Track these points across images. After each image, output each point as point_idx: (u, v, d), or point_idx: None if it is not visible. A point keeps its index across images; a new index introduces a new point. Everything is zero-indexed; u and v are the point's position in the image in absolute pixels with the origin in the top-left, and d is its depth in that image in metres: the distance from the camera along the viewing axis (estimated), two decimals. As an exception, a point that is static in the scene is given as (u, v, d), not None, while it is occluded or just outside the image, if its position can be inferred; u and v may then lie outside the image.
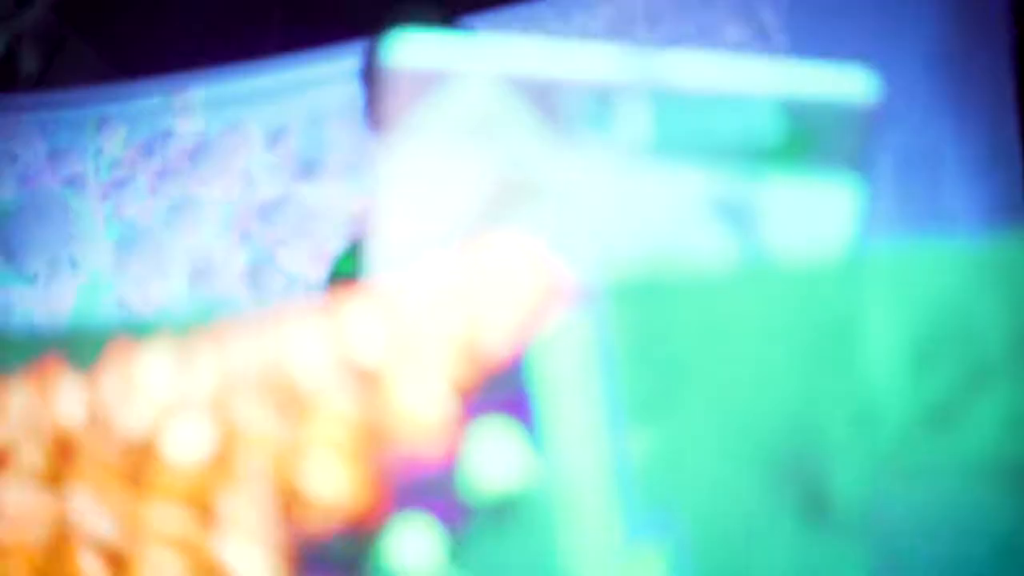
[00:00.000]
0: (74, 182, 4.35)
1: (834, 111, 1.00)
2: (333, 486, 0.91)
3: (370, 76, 2.40)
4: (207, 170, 4.27)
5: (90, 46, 4.56)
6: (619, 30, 3.82)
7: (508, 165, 1.01)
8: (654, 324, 0.92)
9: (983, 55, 3.44)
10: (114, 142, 4.28)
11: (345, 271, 2.37)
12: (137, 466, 0.98)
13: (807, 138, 1.00)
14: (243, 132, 4.26)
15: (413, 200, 1.02)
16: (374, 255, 1.03)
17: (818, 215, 1.00)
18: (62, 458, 1.02)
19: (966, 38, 3.39)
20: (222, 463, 0.95)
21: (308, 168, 4.22)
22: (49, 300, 4.34)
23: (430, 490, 0.89)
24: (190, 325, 1.03)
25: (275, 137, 4.26)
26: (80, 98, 4.39)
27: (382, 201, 1.02)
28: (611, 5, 3.85)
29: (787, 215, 1.01)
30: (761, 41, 3.61)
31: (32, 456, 1.02)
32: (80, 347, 1.08)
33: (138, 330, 1.06)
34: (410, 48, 1.01)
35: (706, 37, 3.71)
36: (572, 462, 0.90)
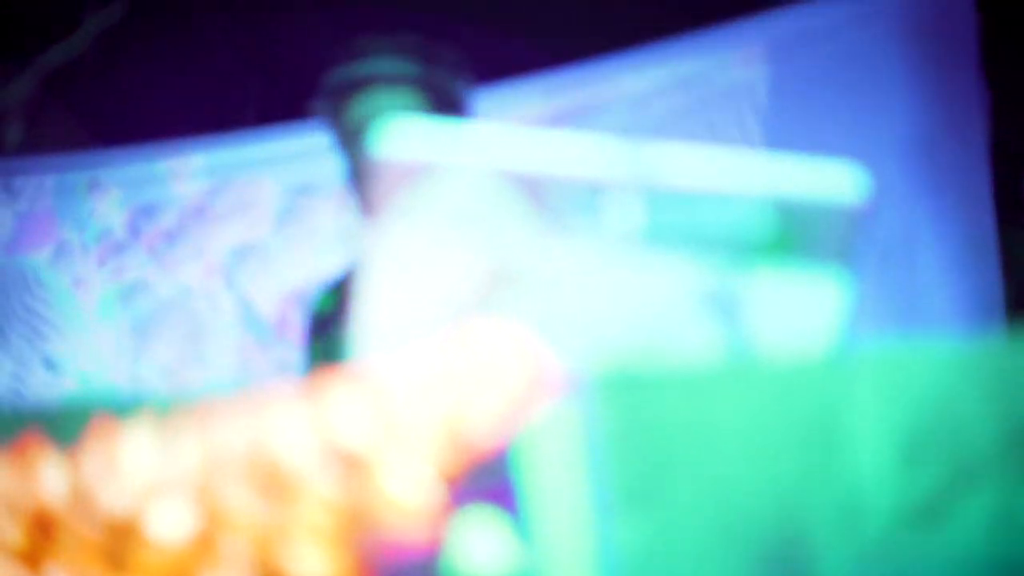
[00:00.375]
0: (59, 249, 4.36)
1: (822, 207, 1.01)
2: (315, 569, 0.91)
3: (351, 158, 2.40)
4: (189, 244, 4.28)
5: (73, 116, 4.58)
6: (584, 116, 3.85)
7: (497, 254, 1.02)
8: (641, 415, 0.93)
9: (958, 145, 3.47)
10: (107, 206, 4.29)
11: (325, 309, 2.37)
12: (118, 545, 0.98)
13: (795, 233, 1.01)
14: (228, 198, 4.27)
15: (401, 285, 1.02)
16: (360, 339, 1.03)
17: (805, 309, 1.01)
18: (42, 536, 1.01)
19: (941, 127, 3.42)
20: (204, 544, 0.95)
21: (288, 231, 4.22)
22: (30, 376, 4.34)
23: (410, 574, 0.89)
24: (174, 405, 1.03)
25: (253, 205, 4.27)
26: (67, 163, 4.41)
27: (369, 285, 1.02)
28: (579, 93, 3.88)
29: (774, 308, 1.01)
30: (737, 130, 3.64)
31: (11, 533, 1.02)
32: (62, 425, 1.07)
33: (121, 408, 1.06)
34: (401, 137, 1.02)
35: (679, 117, 3.74)
36: (557, 551, 0.90)
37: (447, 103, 2.41)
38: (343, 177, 2.45)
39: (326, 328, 2.36)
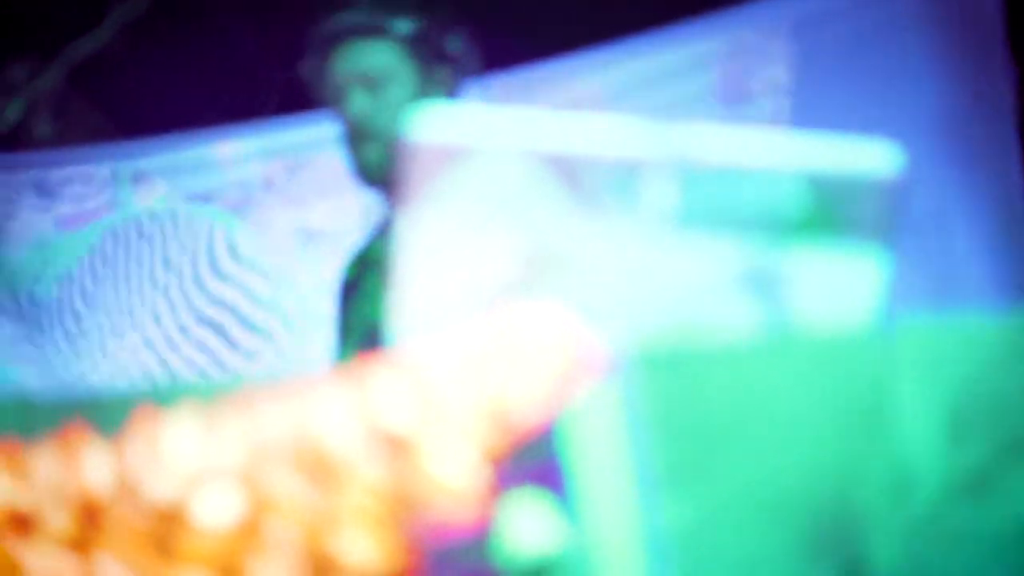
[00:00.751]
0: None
1: (857, 182, 1.00)
2: (363, 554, 0.91)
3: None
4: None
5: (98, 108, 4.57)
6: (616, 98, 3.83)
7: (534, 236, 1.02)
8: (684, 394, 0.92)
9: (986, 120, 3.45)
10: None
11: (350, 277, 2.36)
12: (165, 532, 0.98)
13: (831, 209, 1.01)
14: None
15: (439, 270, 1.02)
16: (401, 324, 1.03)
17: (844, 285, 1.01)
18: (88, 524, 1.01)
19: (969, 103, 3.40)
20: (250, 531, 0.95)
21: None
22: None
23: (461, 558, 0.89)
24: (220, 392, 1.03)
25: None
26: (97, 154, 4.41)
27: (408, 271, 1.02)
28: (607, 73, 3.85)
29: (814, 286, 1.01)
30: (762, 111, 3.62)
31: (58, 522, 1.02)
32: (108, 413, 1.07)
33: (167, 396, 1.06)
34: (436, 121, 1.02)
35: (705, 107, 3.72)
36: (603, 530, 0.90)
37: (439, 58, 2.33)
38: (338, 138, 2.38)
39: (350, 294, 2.35)
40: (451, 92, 2.37)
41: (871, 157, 1.01)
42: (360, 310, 2.30)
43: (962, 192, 3.41)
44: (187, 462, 0.99)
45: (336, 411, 0.95)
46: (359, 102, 2.31)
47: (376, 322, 2.21)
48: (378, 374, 0.96)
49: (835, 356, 0.91)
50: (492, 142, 1.02)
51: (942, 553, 0.87)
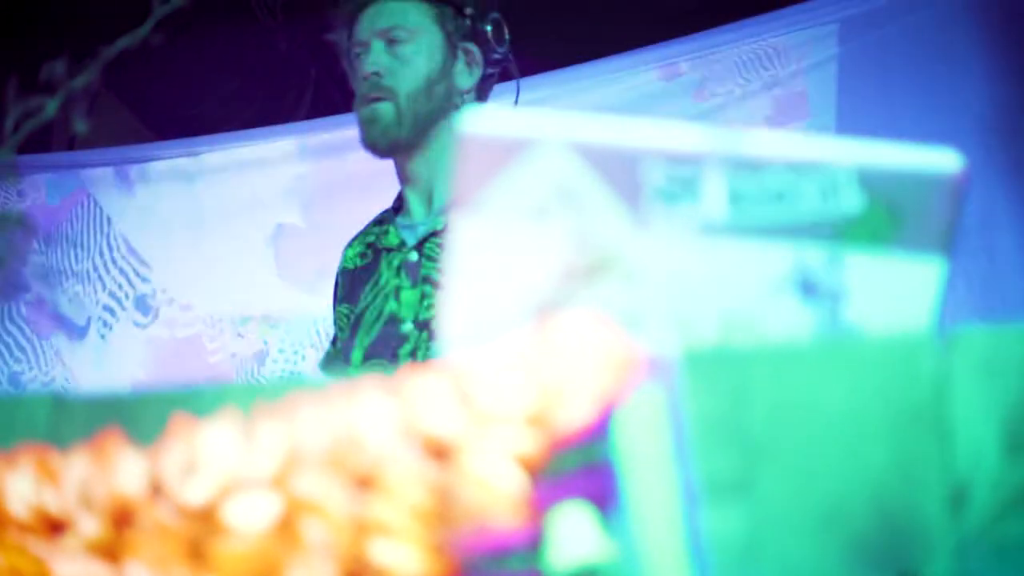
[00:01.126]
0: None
1: (920, 182, 0.98)
2: (403, 561, 0.89)
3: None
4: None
5: (127, 107, 4.57)
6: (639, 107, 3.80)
7: (584, 237, 1.00)
8: (734, 400, 0.90)
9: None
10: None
11: (350, 264, 2.32)
12: (198, 538, 0.96)
13: (892, 211, 0.98)
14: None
15: (487, 272, 1.00)
16: (446, 330, 1.01)
17: (903, 290, 0.98)
18: (120, 529, 1.00)
19: (1018, 107, 3.36)
20: (287, 536, 0.93)
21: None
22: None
23: (505, 566, 0.87)
24: (258, 396, 1.02)
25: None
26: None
27: (455, 272, 1.00)
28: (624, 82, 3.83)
29: (871, 289, 0.99)
30: (808, 113, 3.59)
31: (89, 527, 1.01)
32: (142, 415, 1.06)
33: (203, 400, 1.05)
34: (486, 119, 1.00)
35: (747, 109, 3.70)
36: (648, 539, 0.87)
37: (469, 35, 2.29)
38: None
39: (354, 284, 2.30)
40: (476, 76, 2.32)
41: (932, 157, 0.99)
42: (375, 300, 2.26)
43: (1009, 200, 3.37)
44: (224, 467, 0.97)
45: (378, 415, 0.94)
46: (377, 56, 2.27)
47: (394, 313, 2.18)
48: (422, 379, 0.94)
49: (890, 362, 0.89)
50: (544, 139, 1.00)
51: (994, 569, 0.85)
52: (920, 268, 0.98)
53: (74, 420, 1.08)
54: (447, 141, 2.21)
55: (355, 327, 2.25)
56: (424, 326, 2.08)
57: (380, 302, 2.19)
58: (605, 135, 1.00)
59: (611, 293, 1.00)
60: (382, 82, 2.26)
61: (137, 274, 4.39)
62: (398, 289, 2.16)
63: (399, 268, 2.18)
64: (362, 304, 2.26)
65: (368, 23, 2.31)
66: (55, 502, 1.03)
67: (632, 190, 0.99)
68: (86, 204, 4.43)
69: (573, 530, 0.86)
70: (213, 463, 0.98)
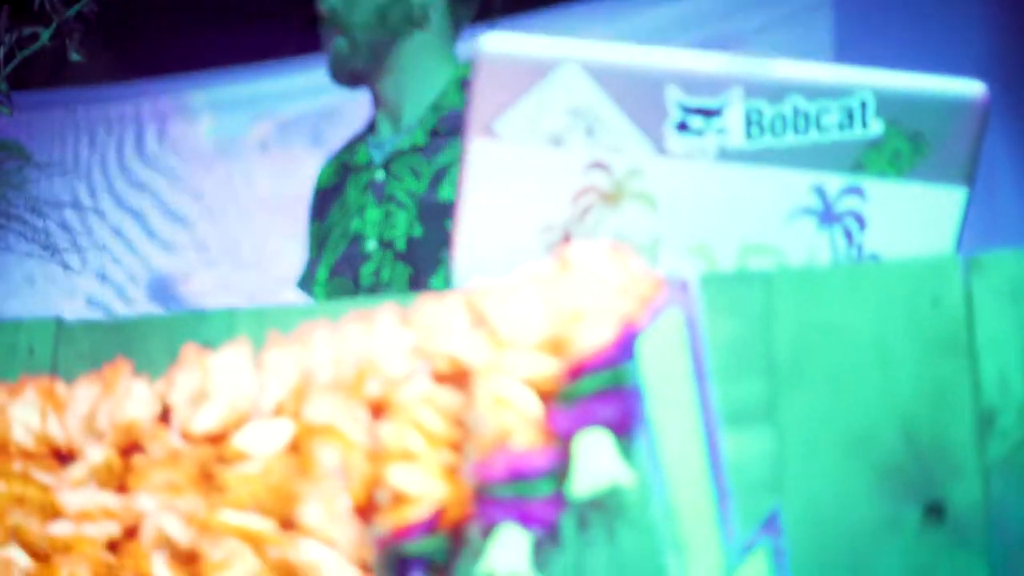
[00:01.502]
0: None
1: (943, 114, 0.97)
2: (421, 487, 0.88)
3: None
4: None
5: (105, 44, 4.52)
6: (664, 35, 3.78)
7: (603, 163, 0.98)
8: (756, 325, 0.89)
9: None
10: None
11: (325, 183, 2.31)
12: (208, 464, 0.95)
13: (913, 140, 0.97)
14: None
15: (504, 198, 0.99)
16: (463, 256, 0.99)
17: (925, 218, 0.97)
18: (128, 457, 0.99)
19: (1017, 49, 3.34)
20: (300, 462, 0.92)
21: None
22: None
23: (526, 491, 0.86)
24: (269, 322, 1.00)
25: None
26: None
27: (472, 198, 0.99)
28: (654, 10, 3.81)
29: (891, 217, 0.97)
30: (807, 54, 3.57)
31: (97, 454, 1.00)
32: (149, 340, 1.05)
33: (211, 325, 1.04)
34: (504, 43, 0.98)
35: (747, 38, 3.68)
36: (669, 461, 0.86)
37: None
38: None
39: (324, 204, 2.30)
40: (444, 10, 2.31)
41: (955, 84, 0.97)
42: (343, 218, 2.25)
43: (1009, 141, 3.36)
44: (235, 394, 0.96)
45: (394, 340, 0.92)
46: None
47: (359, 232, 2.17)
48: (439, 305, 0.93)
49: (915, 287, 0.87)
50: (563, 63, 0.98)
51: (1020, 492, 0.84)
52: (943, 194, 0.97)
53: (78, 345, 1.06)
54: (412, 61, 2.22)
55: (322, 245, 2.25)
56: (388, 245, 2.07)
57: (345, 220, 2.19)
58: (626, 60, 0.99)
59: (630, 219, 0.98)
60: (336, 18, 2.27)
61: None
62: (363, 207, 2.15)
63: (365, 186, 2.18)
64: (329, 222, 2.26)
65: None
66: (61, 431, 1.02)
67: (653, 116, 0.98)
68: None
69: (595, 455, 0.85)
70: (224, 390, 0.97)
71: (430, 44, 2.23)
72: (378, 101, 2.26)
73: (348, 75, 2.26)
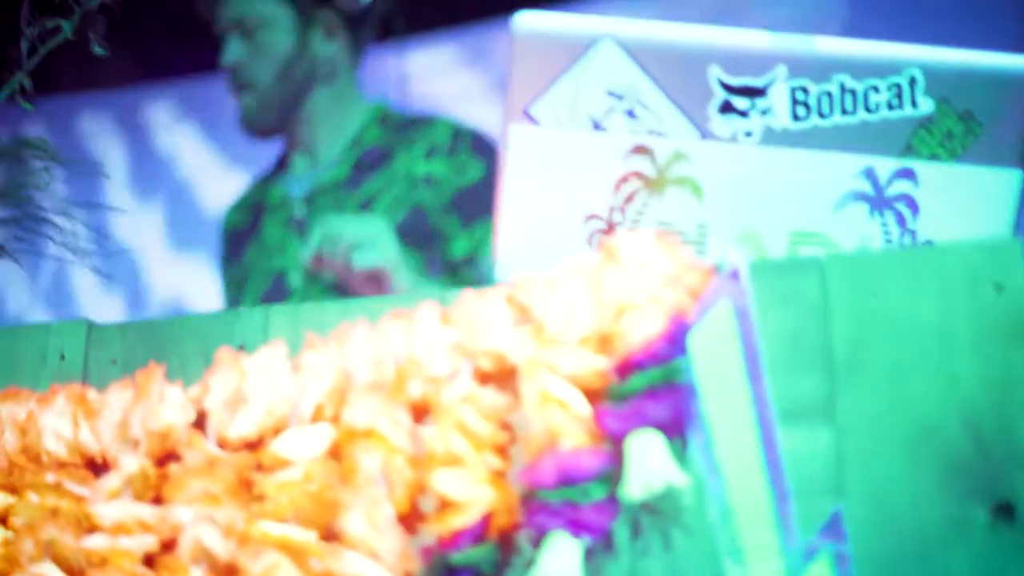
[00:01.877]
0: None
1: (997, 92, 0.93)
2: (467, 492, 0.85)
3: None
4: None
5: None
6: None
7: (645, 144, 0.95)
8: (811, 315, 0.86)
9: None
10: None
11: (234, 226, 2.30)
12: (246, 472, 0.93)
13: (965, 120, 0.94)
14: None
15: (545, 188, 0.96)
16: (504, 248, 0.96)
17: (978, 201, 0.94)
18: (164, 466, 0.96)
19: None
20: (342, 468, 0.89)
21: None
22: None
23: (578, 495, 0.83)
24: (304, 322, 0.98)
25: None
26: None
27: (511, 187, 0.96)
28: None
29: (944, 200, 0.94)
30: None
31: (132, 464, 0.97)
32: (181, 341, 1.02)
33: (244, 325, 1.01)
34: (541, 21, 0.95)
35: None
36: (724, 460, 0.83)
37: (322, 1, 2.27)
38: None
39: (239, 245, 2.29)
40: (340, 39, 2.29)
41: (1008, 59, 0.94)
42: (262, 257, 2.25)
43: None
44: (273, 397, 0.94)
45: (436, 340, 0.90)
46: (234, 50, 2.26)
47: (282, 269, 2.17)
48: (483, 302, 0.90)
49: (976, 270, 0.84)
50: (604, 43, 0.95)
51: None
52: (997, 177, 0.94)
53: (110, 348, 1.04)
54: (324, 110, 2.23)
55: (241, 285, 2.24)
56: (313, 278, 2.06)
57: (265, 259, 2.19)
58: (665, 37, 0.95)
59: (675, 206, 0.95)
60: (240, 77, 2.26)
61: None
62: (284, 244, 2.15)
63: (287, 223, 2.18)
64: (246, 263, 2.25)
65: (223, 12, 2.30)
66: (94, 439, 1.00)
67: (695, 96, 0.95)
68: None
69: (647, 456, 0.82)
70: (261, 394, 0.94)
71: (340, 94, 2.24)
72: (291, 142, 2.27)
73: (262, 130, 2.28)
